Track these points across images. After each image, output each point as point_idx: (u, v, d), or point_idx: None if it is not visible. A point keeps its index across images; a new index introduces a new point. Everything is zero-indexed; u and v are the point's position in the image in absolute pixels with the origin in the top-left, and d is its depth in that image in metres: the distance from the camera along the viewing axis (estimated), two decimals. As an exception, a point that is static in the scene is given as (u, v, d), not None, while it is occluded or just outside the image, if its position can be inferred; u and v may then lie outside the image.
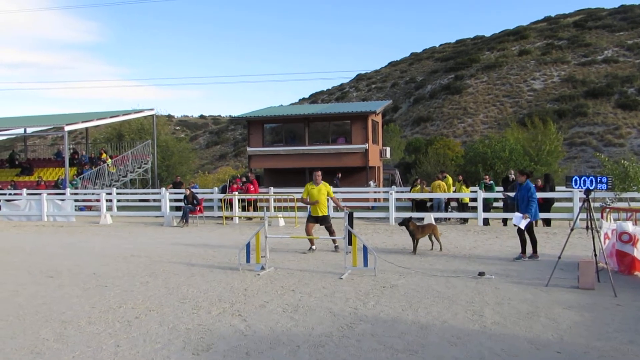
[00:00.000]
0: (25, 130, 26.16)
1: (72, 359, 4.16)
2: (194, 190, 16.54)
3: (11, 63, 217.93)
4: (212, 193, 17.53)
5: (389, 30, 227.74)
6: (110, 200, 17.56)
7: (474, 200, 14.12)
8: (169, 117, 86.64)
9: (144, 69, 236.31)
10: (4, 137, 42.56)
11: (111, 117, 26.03)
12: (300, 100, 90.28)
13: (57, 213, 17.46)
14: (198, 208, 15.32)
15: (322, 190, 8.98)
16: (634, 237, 6.91)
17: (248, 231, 12.88)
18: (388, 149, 25.02)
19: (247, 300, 5.90)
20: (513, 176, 14.49)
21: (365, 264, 7.29)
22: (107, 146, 29.45)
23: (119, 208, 18.27)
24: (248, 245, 7.81)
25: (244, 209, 16.17)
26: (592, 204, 6.75)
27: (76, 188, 21.05)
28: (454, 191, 14.96)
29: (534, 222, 8.50)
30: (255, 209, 16.38)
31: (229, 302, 5.83)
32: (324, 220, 9.08)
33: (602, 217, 8.23)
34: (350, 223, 7.47)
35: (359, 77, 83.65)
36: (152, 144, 27.70)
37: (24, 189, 19.66)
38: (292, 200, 15.19)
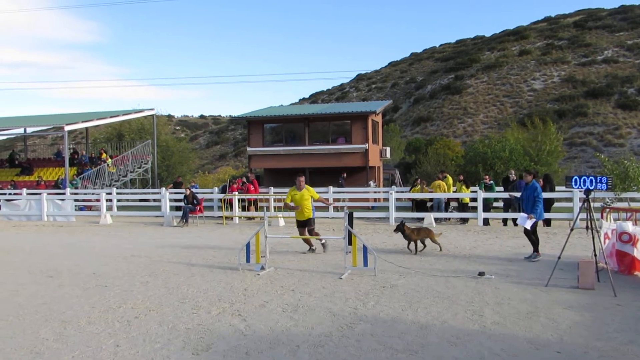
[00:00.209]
0: (25, 130, 26.16)
1: (71, 358, 4.16)
2: (194, 190, 16.54)
3: (11, 63, 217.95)
4: (212, 193, 17.54)
5: (389, 30, 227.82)
6: (110, 200, 17.56)
7: (474, 200, 14.11)
8: (169, 117, 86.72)
9: (144, 69, 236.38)
10: (4, 137, 42.55)
11: (111, 117, 26.03)
12: (300, 100, 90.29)
13: (57, 213, 17.46)
14: (198, 208, 15.32)
15: (305, 196, 8.86)
16: (634, 237, 6.91)
17: (248, 231, 12.88)
18: (388, 149, 25.02)
19: (246, 300, 5.90)
20: (513, 176, 14.49)
21: (365, 264, 7.29)
22: (107, 146, 29.44)
23: (119, 208, 18.27)
24: (248, 245, 7.81)
25: (244, 208, 16.17)
26: (592, 204, 6.75)
27: (76, 188, 21.05)
28: (454, 191, 14.95)
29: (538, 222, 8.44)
30: (255, 209, 16.38)
31: (228, 302, 5.83)
32: (308, 223, 8.98)
33: (602, 217, 8.23)
34: (350, 223, 7.46)
35: (359, 77, 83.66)
36: (152, 144, 27.70)
37: (24, 189, 19.66)
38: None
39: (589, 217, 6.59)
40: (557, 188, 13.97)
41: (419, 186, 15.36)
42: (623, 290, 6.03)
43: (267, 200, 16.19)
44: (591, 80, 48.66)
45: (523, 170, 10.51)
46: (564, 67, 53.24)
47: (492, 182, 14.83)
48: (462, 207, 14.71)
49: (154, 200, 20.36)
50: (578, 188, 6.93)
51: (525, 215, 8.05)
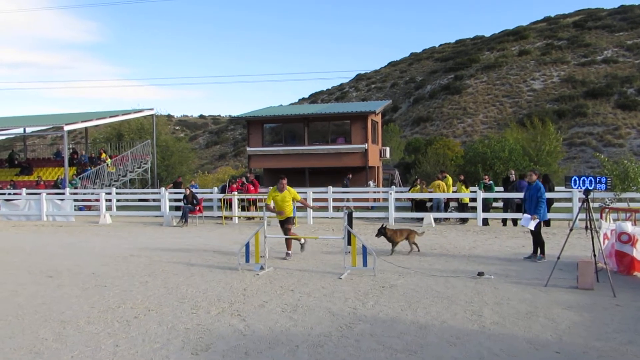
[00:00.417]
0: (24, 130, 26.13)
1: (71, 358, 4.16)
2: (194, 190, 16.54)
3: (11, 63, 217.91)
4: (211, 193, 17.53)
5: (389, 30, 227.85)
6: (110, 200, 17.55)
7: (474, 200, 14.11)
8: (169, 117, 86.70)
9: (144, 69, 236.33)
10: (4, 137, 42.49)
11: (111, 116, 26.01)
12: (299, 100, 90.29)
13: (57, 213, 17.45)
14: (197, 208, 15.31)
15: (287, 198, 8.75)
16: (633, 238, 6.91)
17: (247, 231, 12.88)
18: (388, 149, 25.03)
19: (246, 300, 5.90)
20: (514, 176, 14.49)
21: (365, 264, 7.29)
22: (106, 146, 29.43)
23: (119, 208, 18.26)
24: (247, 245, 7.81)
25: (243, 208, 16.16)
26: (591, 204, 6.75)
27: (75, 188, 21.04)
28: (454, 191, 14.96)
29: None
30: (255, 209, 16.38)
31: (228, 302, 5.83)
32: (286, 222, 8.85)
33: (601, 217, 8.23)
34: (350, 223, 7.46)
35: (359, 77, 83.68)
36: (151, 144, 27.69)
37: (24, 189, 19.64)
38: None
39: (588, 217, 6.59)
40: (556, 188, 13.98)
41: (418, 186, 15.37)
42: (622, 291, 6.04)
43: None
44: (591, 80, 48.69)
45: (528, 170, 10.46)
46: (564, 67, 53.28)
47: (491, 182, 14.83)
48: (462, 207, 14.71)
49: (154, 200, 20.36)
50: (577, 188, 6.94)
51: (529, 216, 7.95)
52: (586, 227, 6.65)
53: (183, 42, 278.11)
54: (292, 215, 8.93)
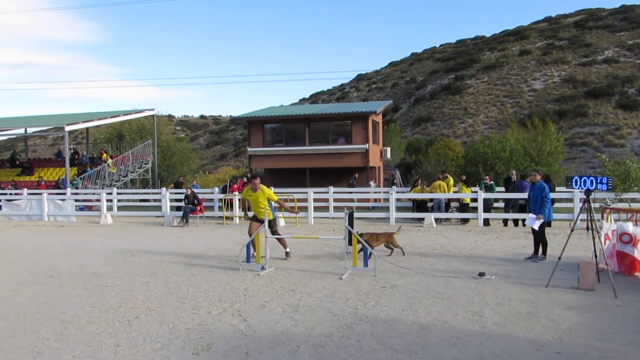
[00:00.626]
0: (26, 131, 26.18)
1: (72, 358, 4.16)
2: (195, 190, 16.55)
3: (12, 63, 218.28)
4: (212, 193, 17.54)
5: (389, 30, 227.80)
6: (111, 200, 17.57)
7: (475, 200, 14.11)
8: (170, 117, 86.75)
9: (145, 69, 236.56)
10: (5, 137, 42.59)
11: (112, 117, 26.04)
12: (300, 100, 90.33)
13: (58, 213, 17.47)
14: (198, 208, 15.32)
15: (260, 198, 8.31)
16: (635, 238, 6.90)
17: (248, 231, 12.87)
18: (388, 149, 25.01)
19: (247, 300, 5.90)
20: (515, 177, 14.48)
21: (366, 264, 7.29)
22: (107, 146, 29.46)
23: (120, 208, 18.28)
24: (248, 245, 7.82)
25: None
26: (592, 204, 6.74)
27: (77, 188, 21.06)
28: (456, 191, 14.95)
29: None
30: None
31: (229, 302, 5.83)
32: (269, 225, 8.34)
33: (602, 217, 8.22)
34: (351, 223, 7.46)
35: (360, 78, 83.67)
36: (152, 144, 27.71)
37: (25, 189, 19.67)
38: (292, 200, 15.19)
39: (589, 217, 6.58)
40: (557, 188, 13.97)
41: (419, 186, 15.37)
42: (623, 291, 6.03)
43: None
44: (592, 80, 48.65)
45: (530, 170, 10.42)
46: (565, 67, 53.23)
47: (492, 182, 14.83)
48: (463, 207, 14.70)
49: (155, 200, 20.37)
50: (579, 188, 6.92)
51: (534, 216, 7.93)
52: (587, 228, 6.65)
53: (184, 42, 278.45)
54: (272, 218, 8.44)
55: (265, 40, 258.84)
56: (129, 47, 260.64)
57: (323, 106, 28.84)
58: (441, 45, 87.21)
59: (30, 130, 26.15)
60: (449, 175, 15.62)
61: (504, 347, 4.23)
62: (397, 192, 15.63)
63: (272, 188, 17.20)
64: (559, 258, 6.73)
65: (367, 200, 19.24)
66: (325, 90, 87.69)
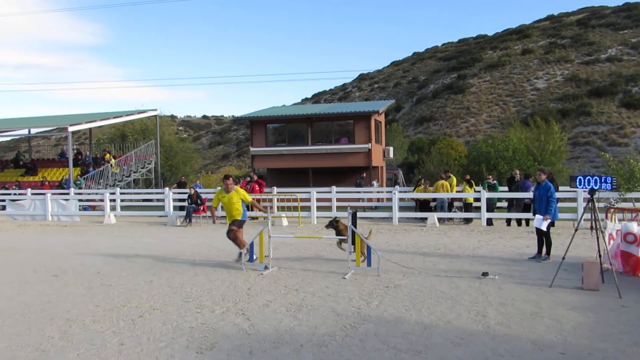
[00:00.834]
0: (29, 131, 26.27)
1: (76, 356, 4.18)
2: (198, 190, 16.58)
3: (16, 64, 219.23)
4: (215, 193, 17.55)
5: (391, 29, 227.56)
6: (114, 200, 17.63)
7: (478, 200, 14.08)
8: (172, 117, 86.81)
9: (147, 70, 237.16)
10: (9, 138, 42.75)
11: (114, 117, 26.10)
12: (302, 100, 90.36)
13: (62, 213, 17.54)
14: (201, 208, 15.35)
15: (234, 199, 8.05)
16: (639, 238, 6.87)
17: (251, 231, 12.89)
18: (391, 148, 25.01)
19: (250, 299, 5.91)
20: (518, 176, 14.44)
21: (369, 264, 7.29)
22: (110, 146, 29.54)
23: (123, 208, 18.33)
24: (252, 245, 7.83)
25: (247, 208, 16.16)
26: (596, 204, 6.72)
27: (80, 188, 21.14)
28: (459, 191, 14.93)
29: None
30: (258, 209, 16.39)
31: (232, 301, 5.85)
32: (233, 224, 8.15)
33: (606, 217, 8.19)
34: (354, 223, 7.46)
35: (362, 77, 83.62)
36: (155, 144, 27.78)
37: (29, 189, 19.76)
38: (295, 200, 15.20)
39: (593, 217, 6.56)
40: (560, 188, 13.92)
41: (422, 186, 15.35)
42: (628, 292, 6.01)
43: (271, 200, 16.21)
44: (595, 79, 48.47)
45: (533, 169, 10.39)
46: (567, 66, 53.06)
47: (495, 181, 14.79)
48: (467, 207, 14.68)
49: (157, 200, 20.41)
50: (583, 188, 6.89)
51: (541, 217, 7.91)
52: (591, 227, 6.61)
53: (186, 42, 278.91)
54: (240, 219, 8.15)
55: (267, 40, 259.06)
56: (131, 48, 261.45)
57: (325, 106, 28.84)
58: (443, 45, 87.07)
59: (33, 130, 26.24)
60: (452, 175, 15.60)
61: (508, 348, 4.23)
62: (400, 192, 15.62)
63: (275, 188, 17.24)
64: (563, 258, 6.71)
65: (370, 200, 19.24)
66: (328, 90, 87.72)
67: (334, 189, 16.11)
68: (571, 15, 72.94)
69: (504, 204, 14.70)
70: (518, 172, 15.00)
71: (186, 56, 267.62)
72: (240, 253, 7.95)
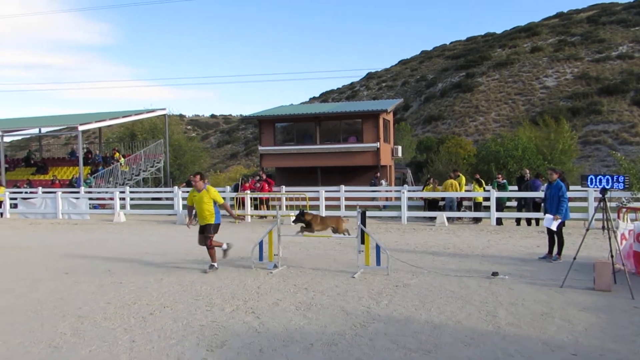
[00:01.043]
0: (40, 130, 26.59)
1: (88, 353, 4.23)
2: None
3: (26, 64, 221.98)
4: (224, 192, 17.62)
5: (399, 28, 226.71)
6: (124, 199, 17.77)
7: (487, 199, 13.99)
8: (181, 116, 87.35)
9: (156, 70, 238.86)
10: (20, 137, 43.29)
11: (124, 116, 26.32)
12: (310, 99, 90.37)
13: (72, 211, 17.73)
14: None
15: (205, 198, 7.55)
16: (652, 238, 6.78)
17: (260, 230, 12.93)
18: (399, 147, 24.94)
19: (260, 298, 5.94)
20: (528, 175, 14.32)
21: (378, 262, 7.28)
22: (119, 145, 29.81)
23: (132, 206, 18.47)
24: (261, 244, 7.86)
25: (256, 207, 16.24)
26: (608, 203, 6.64)
27: (90, 187, 21.35)
28: (467, 190, 14.83)
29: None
30: (267, 208, 16.45)
31: (242, 299, 5.87)
32: (205, 229, 7.56)
33: (618, 217, 8.09)
34: (363, 222, 7.45)
35: (370, 76, 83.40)
36: (164, 143, 27.97)
37: (40, 188, 19.99)
38: (304, 199, 15.22)
39: (605, 217, 6.48)
40: (571, 187, 13.78)
41: (431, 185, 15.29)
42: (640, 292, 5.94)
43: (279, 199, 16.25)
44: (605, 76, 47.85)
45: (543, 168, 10.30)
46: (577, 64, 52.45)
47: (505, 181, 14.68)
48: (476, 206, 14.59)
49: (167, 198, 20.55)
50: (594, 187, 6.82)
51: (551, 216, 7.83)
52: (603, 227, 6.53)
53: (194, 42, 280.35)
54: (213, 222, 7.57)
55: (275, 40, 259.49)
56: (139, 48, 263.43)
57: (333, 105, 28.83)
58: (451, 43, 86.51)
59: (44, 130, 26.54)
60: (460, 174, 15.51)
61: (518, 348, 4.20)
62: (409, 191, 15.57)
63: (284, 187, 17.27)
64: (574, 258, 6.64)
65: (379, 199, 19.20)
66: (335, 88, 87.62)
67: (343, 188, 16.10)
68: (581, 12, 72.10)
69: (514, 203, 14.59)
70: (528, 171, 14.88)
71: (194, 56, 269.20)
72: (212, 265, 7.49)
